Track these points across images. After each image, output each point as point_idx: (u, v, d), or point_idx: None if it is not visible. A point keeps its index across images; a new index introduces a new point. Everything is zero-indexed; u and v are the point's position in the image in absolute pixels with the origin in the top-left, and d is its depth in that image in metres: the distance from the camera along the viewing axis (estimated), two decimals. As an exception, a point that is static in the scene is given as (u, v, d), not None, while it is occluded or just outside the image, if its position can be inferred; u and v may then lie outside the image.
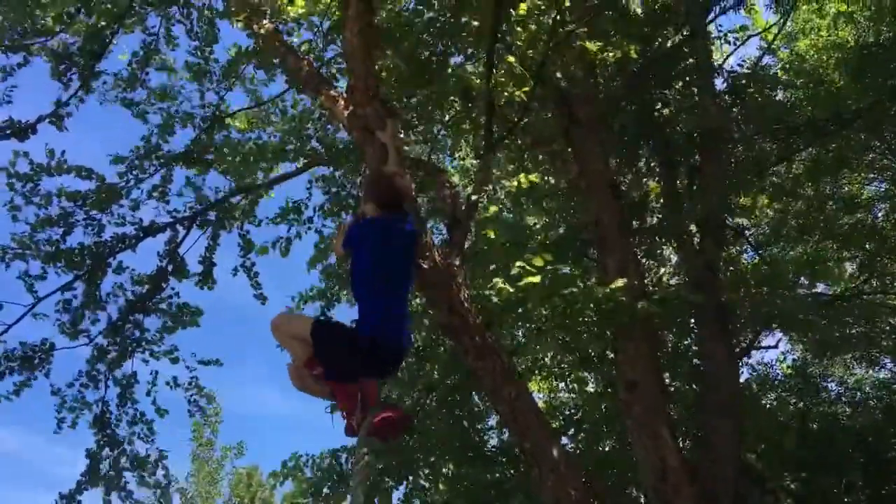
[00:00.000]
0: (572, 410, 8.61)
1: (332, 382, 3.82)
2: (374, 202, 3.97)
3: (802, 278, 8.90)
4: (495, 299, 5.00)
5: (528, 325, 5.57)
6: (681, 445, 5.64)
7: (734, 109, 7.46)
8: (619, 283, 5.10)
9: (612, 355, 5.96)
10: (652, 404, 5.23)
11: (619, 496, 7.08)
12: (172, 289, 7.70)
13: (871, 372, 11.27)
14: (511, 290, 4.69)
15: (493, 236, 5.77)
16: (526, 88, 5.27)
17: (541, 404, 7.89)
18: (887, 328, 9.47)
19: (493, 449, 8.54)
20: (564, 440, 8.06)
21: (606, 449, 8.04)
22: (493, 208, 6.38)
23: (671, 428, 5.26)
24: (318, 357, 3.72)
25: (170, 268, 7.62)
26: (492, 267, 6.21)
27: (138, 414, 7.47)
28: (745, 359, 8.56)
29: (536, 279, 4.62)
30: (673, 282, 8.53)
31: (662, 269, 8.81)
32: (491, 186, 7.69)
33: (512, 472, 8.11)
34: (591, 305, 4.99)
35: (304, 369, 3.80)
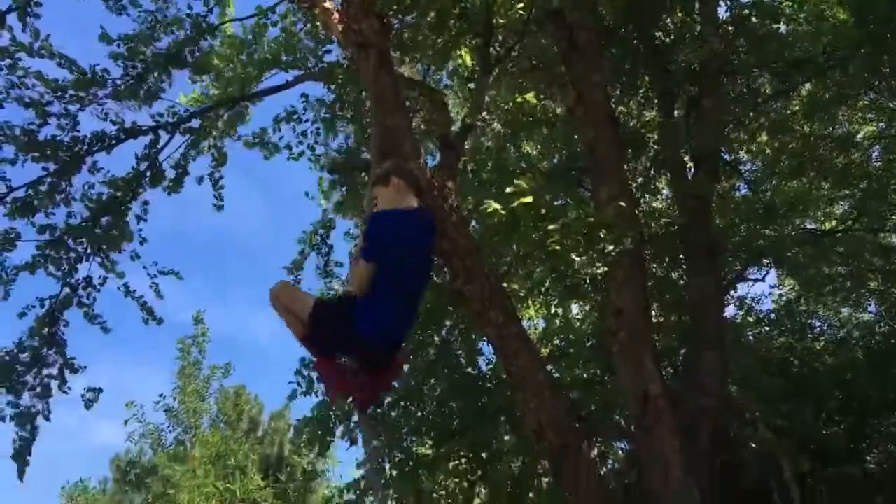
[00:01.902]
0: (560, 339, 8.69)
1: (329, 361, 3.68)
2: (394, 182, 3.63)
3: (793, 215, 8.93)
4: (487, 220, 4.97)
5: (519, 250, 5.56)
6: (664, 375, 5.69)
7: (735, 41, 7.33)
8: (611, 210, 5.09)
9: (601, 283, 5.99)
10: (637, 332, 5.26)
11: (602, 423, 7.19)
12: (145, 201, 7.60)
13: (855, 314, 11.43)
14: (503, 211, 4.65)
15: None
16: (522, 3, 5.13)
17: (530, 332, 7.97)
18: (874, 267, 9.55)
19: (481, 374, 8.64)
20: (550, 367, 8.15)
21: (591, 376, 8.14)
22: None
23: (655, 356, 5.31)
24: (314, 338, 3.60)
25: (147, 173, 7.50)
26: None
27: (90, 316, 7.33)
28: (731, 293, 8.64)
29: (529, 199, 4.58)
30: (665, 213, 8.52)
31: (656, 202, 8.80)
32: (486, 111, 7.58)
33: (498, 397, 8.22)
34: (583, 231, 4.97)
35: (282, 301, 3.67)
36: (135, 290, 7.57)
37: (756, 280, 9.15)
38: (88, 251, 7.30)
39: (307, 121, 8.39)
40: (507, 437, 8.66)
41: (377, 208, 3.67)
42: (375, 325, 3.44)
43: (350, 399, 3.64)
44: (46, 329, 7.02)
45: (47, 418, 6.87)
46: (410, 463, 8.29)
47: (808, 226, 9.92)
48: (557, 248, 4.95)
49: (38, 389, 6.86)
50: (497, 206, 4.64)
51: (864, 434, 8.07)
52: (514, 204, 4.60)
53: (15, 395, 6.76)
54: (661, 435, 4.75)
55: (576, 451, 4.84)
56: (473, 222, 6.94)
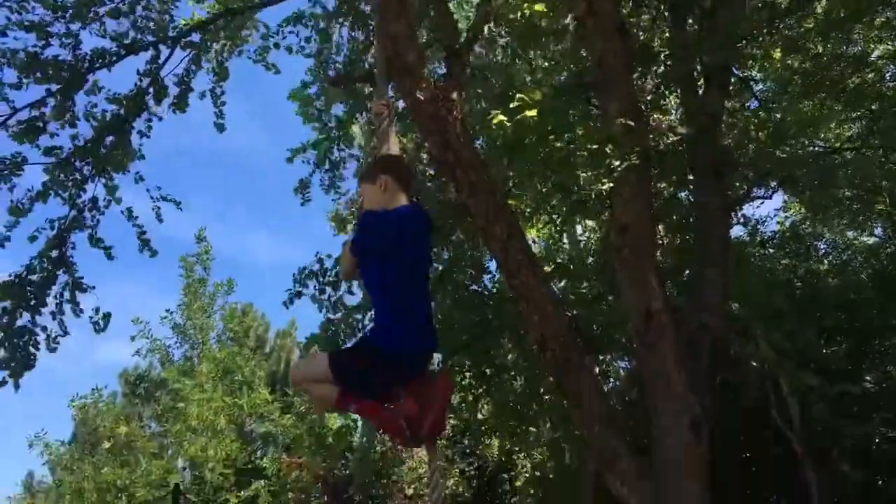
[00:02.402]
0: (563, 257, 8.70)
1: (372, 406, 3.47)
2: (381, 180, 3.43)
3: (804, 135, 8.80)
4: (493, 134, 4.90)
5: (525, 164, 5.49)
6: (667, 293, 5.69)
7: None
8: (619, 125, 5.00)
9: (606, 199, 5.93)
10: (641, 249, 5.24)
11: (603, 339, 7.26)
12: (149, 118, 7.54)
13: (861, 237, 11.41)
14: (508, 123, 4.58)
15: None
16: None
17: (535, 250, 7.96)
18: (882, 189, 9.47)
19: (486, 291, 8.69)
20: (553, 284, 8.18)
21: (594, 294, 8.18)
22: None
23: (658, 273, 5.30)
24: (345, 385, 3.41)
25: (150, 90, 7.41)
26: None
27: (94, 238, 7.35)
28: (737, 211, 8.59)
29: (534, 112, 4.50)
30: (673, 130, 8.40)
31: (665, 119, 8.66)
32: (493, 21, 7.39)
33: (502, 314, 8.27)
34: (590, 146, 4.90)
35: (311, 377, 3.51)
36: (136, 217, 7.64)
37: (763, 198, 9.06)
38: (94, 172, 7.30)
39: (311, 26, 8.28)
40: (510, 356, 8.78)
41: (362, 208, 3.56)
42: (388, 335, 3.33)
43: (408, 435, 3.40)
44: (56, 251, 7.11)
45: (64, 331, 7.02)
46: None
47: (819, 147, 9.80)
48: (564, 163, 4.89)
49: (53, 308, 7.00)
50: (503, 117, 4.56)
51: (865, 354, 8.12)
52: (519, 117, 4.52)
53: (30, 315, 6.88)
54: (663, 350, 4.78)
55: (578, 365, 4.89)
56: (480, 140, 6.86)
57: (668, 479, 4.62)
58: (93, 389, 18.86)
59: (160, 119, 7.59)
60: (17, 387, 6.80)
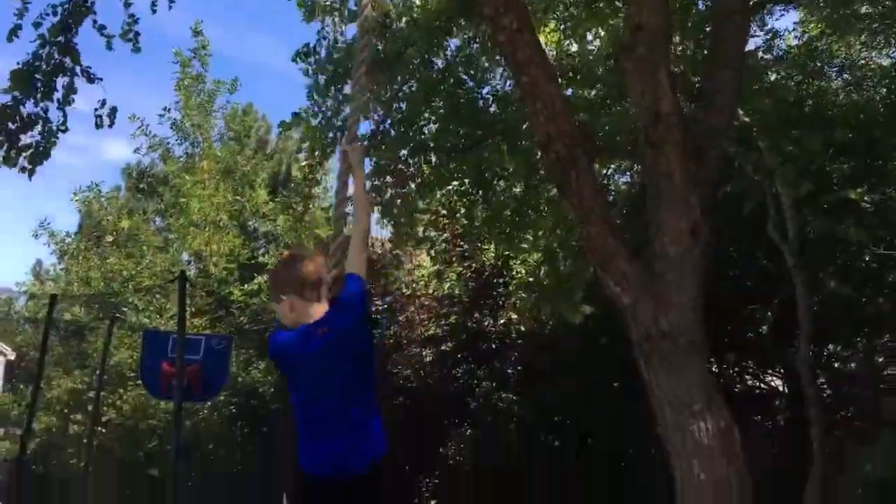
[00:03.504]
0: (573, 59, 8.44)
1: None
2: (285, 302, 3.33)
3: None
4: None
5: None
6: (679, 97, 5.54)
7: None
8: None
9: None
10: (654, 49, 5.02)
11: (610, 141, 7.17)
12: None
13: (877, 58, 11.03)
14: None
15: None
16: None
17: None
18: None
19: (486, 94, 8.50)
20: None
21: (602, 98, 8.02)
22: None
23: (670, 75, 5.12)
24: None
25: None
26: None
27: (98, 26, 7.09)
28: (754, 17, 8.25)
29: None
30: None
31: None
32: None
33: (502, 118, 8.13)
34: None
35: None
36: (131, 4, 7.29)
37: (784, 5, 8.66)
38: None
39: None
40: (508, 162, 8.71)
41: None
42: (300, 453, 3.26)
43: None
44: (60, 37, 6.86)
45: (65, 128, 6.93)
46: (411, 184, 8.41)
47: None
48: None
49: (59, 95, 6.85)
50: None
51: (869, 173, 8.10)
52: None
53: (35, 102, 6.76)
54: (668, 151, 4.72)
55: (582, 166, 4.85)
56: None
57: (664, 281, 4.71)
58: (92, 183, 19.01)
59: None
60: (31, 174, 6.83)
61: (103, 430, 15.71)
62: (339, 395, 3.20)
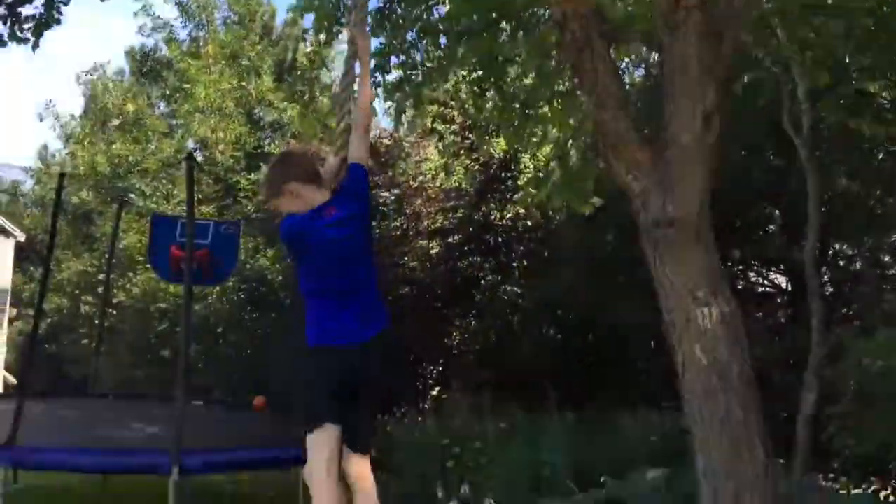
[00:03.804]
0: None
1: None
2: (287, 189, 3.44)
3: None
4: None
5: None
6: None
7: None
8: None
9: None
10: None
11: (628, 28, 6.95)
12: None
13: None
14: None
15: None
16: None
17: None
18: None
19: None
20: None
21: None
22: None
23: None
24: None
25: None
26: None
27: None
28: None
29: None
30: None
31: None
32: None
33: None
34: None
35: None
36: None
37: None
38: None
39: None
40: (523, 45, 8.49)
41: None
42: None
43: None
44: None
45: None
46: (417, 70, 8.20)
47: None
48: None
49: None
50: None
51: (889, 67, 7.89)
52: None
53: None
54: (686, 35, 4.59)
55: (598, 48, 4.74)
56: None
57: (675, 169, 4.67)
58: (96, 63, 18.71)
59: None
60: (35, 47, 6.69)
61: (114, 312, 16.00)
62: (349, 269, 3.37)
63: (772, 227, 11.33)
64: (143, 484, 9.83)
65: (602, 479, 6.40)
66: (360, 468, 3.31)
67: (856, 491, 6.69)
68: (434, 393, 14.20)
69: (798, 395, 7.57)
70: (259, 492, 9.46)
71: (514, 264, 14.17)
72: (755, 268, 11.52)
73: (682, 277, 4.50)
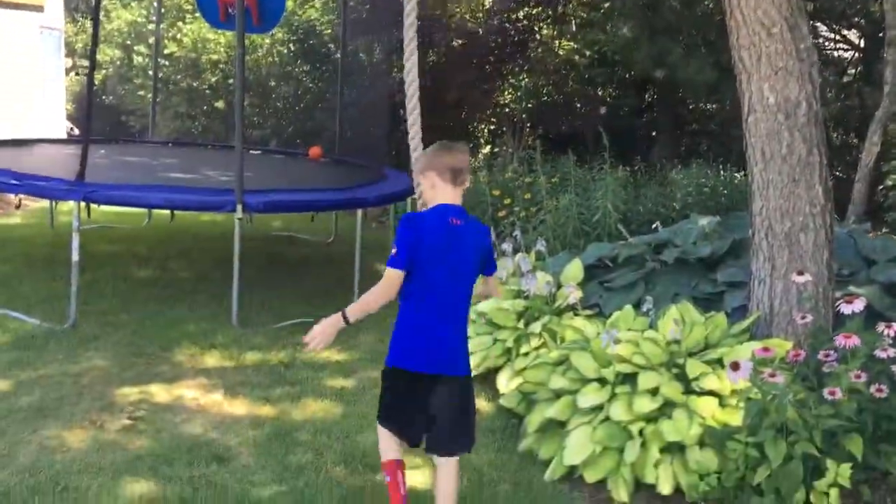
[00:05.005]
0: None
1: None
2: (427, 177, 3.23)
3: None
4: None
5: None
6: None
7: None
8: None
9: None
10: None
11: None
12: None
13: None
14: None
15: None
16: None
17: None
18: None
19: None
20: None
21: None
22: None
23: None
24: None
25: None
26: None
27: None
28: None
29: None
30: None
31: None
32: None
33: None
34: None
35: None
36: None
37: None
38: None
39: None
40: None
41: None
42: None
43: None
44: None
45: None
46: None
47: None
48: None
49: None
50: None
51: None
52: None
53: None
54: None
55: None
56: None
57: None
58: None
59: None
60: None
61: (166, 63, 15.93)
62: (464, 286, 3.25)
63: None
64: (207, 224, 10.37)
65: (654, 225, 6.51)
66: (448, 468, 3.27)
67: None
68: (485, 151, 14.25)
69: (856, 158, 7.45)
70: (315, 238, 9.87)
71: (571, 17, 13.58)
72: (827, 23, 10.92)
73: (756, 11, 4.27)
